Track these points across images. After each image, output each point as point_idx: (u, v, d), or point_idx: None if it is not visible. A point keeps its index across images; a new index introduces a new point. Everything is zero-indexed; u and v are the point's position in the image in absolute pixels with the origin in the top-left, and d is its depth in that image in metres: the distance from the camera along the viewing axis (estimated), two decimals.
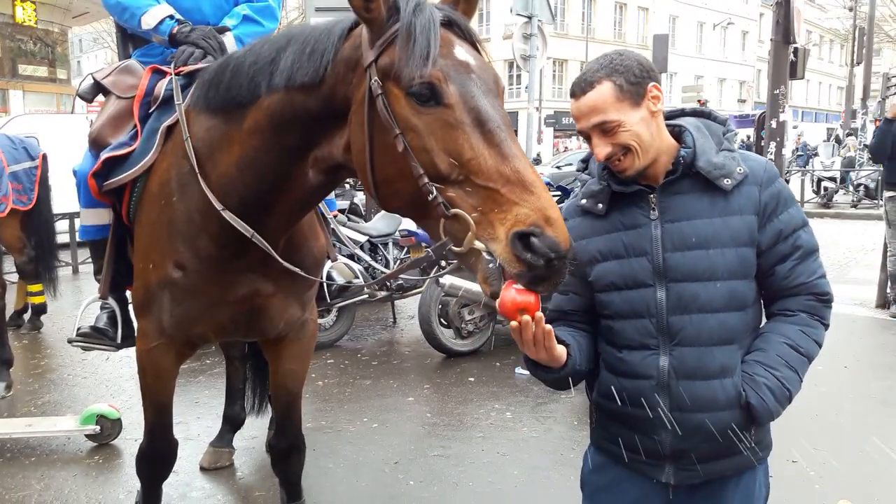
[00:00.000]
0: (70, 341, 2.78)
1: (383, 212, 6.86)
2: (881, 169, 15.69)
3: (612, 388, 1.71)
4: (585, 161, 1.82)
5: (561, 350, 1.57)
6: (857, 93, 27.29)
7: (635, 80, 1.59)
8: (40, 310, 6.47)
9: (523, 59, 8.17)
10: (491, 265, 1.43)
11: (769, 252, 1.64)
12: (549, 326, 1.50)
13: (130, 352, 2.88)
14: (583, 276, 1.73)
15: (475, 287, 5.45)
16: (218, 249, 2.14)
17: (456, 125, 1.51)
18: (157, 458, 2.58)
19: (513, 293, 1.43)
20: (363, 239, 6.06)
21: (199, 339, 2.42)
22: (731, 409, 1.61)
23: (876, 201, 15.86)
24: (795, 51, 8.01)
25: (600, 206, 1.71)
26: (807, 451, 3.75)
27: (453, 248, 1.51)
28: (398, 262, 6.15)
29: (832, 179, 17.31)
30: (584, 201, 1.74)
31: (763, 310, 1.74)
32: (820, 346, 1.67)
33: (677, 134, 1.68)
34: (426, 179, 1.51)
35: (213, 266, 2.17)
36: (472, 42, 1.66)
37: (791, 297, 1.67)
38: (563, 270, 1.41)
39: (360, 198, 9.41)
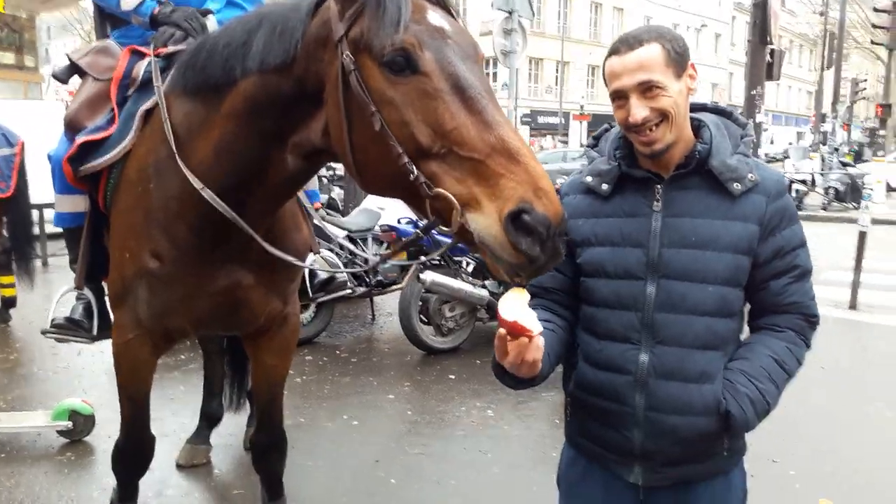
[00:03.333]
0: (44, 333, 2.69)
1: (362, 206, 6.80)
2: (849, 172, 16.26)
3: (588, 379, 1.67)
4: (597, 138, 1.77)
5: (540, 353, 1.48)
6: (827, 97, 27.80)
7: (681, 49, 1.54)
8: (10, 303, 6.30)
9: (503, 55, 8.15)
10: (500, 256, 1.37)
11: (766, 266, 1.60)
12: (541, 339, 1.45)
13: (103, 346, 2.81)
14: (571, 256, 1.66)
15: (457, 284, 5.42)
16: (196, 238, 2.08)
17: (434, 94, 1.45)
18: (133, 454, 2.50)
19: (516, 314, 1.37)
20: (342, 234, 5.99)
21: (176, 332, 2.36)
22: (708, 415, 1.58)
23: (845, 204, 16.16)
24: (772, 52, 8.09)
25: (605, 186, 1.66)
26: (786, 451, 3.79)
27: (442, 227, 1.47)
28: (377, 256, 6.09)
29: (803, 182, 17.59)
30: (589, 178, 1.69)
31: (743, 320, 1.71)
32: (800, 365, 1.66)
33: (695, 128, 1.64)
34: (406, 159, 1.46)
35: (191, 256, 2.11)
36: (446, 7, 1.60)
37: (781, 314, 1.64)
38: (558, 251, 1.37)
39: (337, 192, 9.33)
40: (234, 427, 3.93)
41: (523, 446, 3.93)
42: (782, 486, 3.47)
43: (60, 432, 3.81)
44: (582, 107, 36.56)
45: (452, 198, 1.40)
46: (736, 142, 1.63)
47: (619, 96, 1.56)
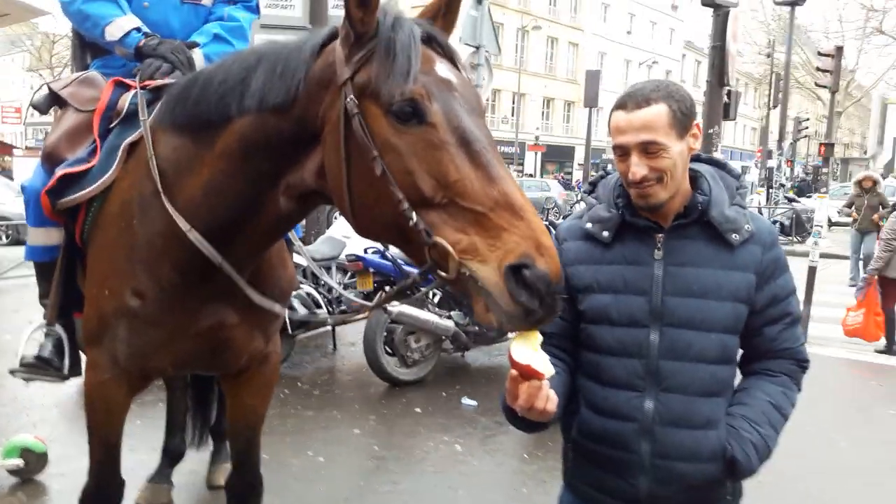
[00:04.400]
0: (12, 372, 2.55)
1: (326, 235, 6.72)
2: (794, 207, 16.80)
3: (592, 426, 1.67)
4: (594, 184, 1.79)
5: (553, 405, 1.48)
6: (772, 135, 28.88)
7: (686, 111, 1.57)
8: None
9: None
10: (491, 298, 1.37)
11: (762, 313, 1.66)
12: (553, 393, 1.46)
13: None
14: (572, 302, 1.68)
15: (424, 315, 5.37)
16: (180, 277, 2.00)
17: (440, 145, 1.45)
18: (102, 499, 2.37)
19: (529, 357, 1.39)
20: (305, 263, 5.89)
21: (155, 372, 2.27)
22: (714, 462, 1.61)
23: (790, 237, 16.71)
24: (728, 93, 8.37)
25: (606, 233, 1.67)
26: (746, 484, 3.82)
27: (440, 273, 1.45)
28: (342, 286, 6.01)
29: None
30: (589, 225, 1.70)
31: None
32: (793, 408, 1.71)
33: (692, 178, 1.67)
34: (406, 205, 1.45)
35: (175, 295, 2.03)
36: (453, 59, 1.61)
37: (775, 359, 1.70)
38: (556, 307, 1.37)
39: None
40: (196, 464, 3.78)
41: (494, 482, 3.89)
42: None
43: (10, 471, 3.60)
44: (537, 138, 37.21)
45: (449, 247, 1.40)
46: (732, 193, 1.68)
47: (621, 150, 1.59)
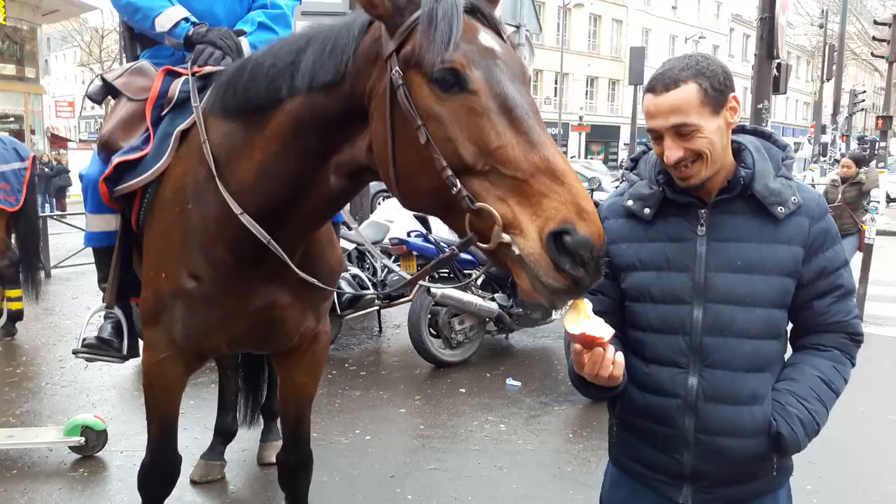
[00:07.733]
0: (75, 352, 2.68)
1: (371, 219, 6.79)
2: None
3: (636, 402, 1.67)
4: (635, 160, 1.77)
5: (621, 369, 1.50)
6: (826, 108, 27.94)
7: (720, 86, 1.53)
8: (16, 316, 6.24)
9: None
10: (537, 275, 1.36)
11: (810, 286, 1.61)
12: (619, 355, 1.47)
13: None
14: (615, 280, 1.68)
15: (467, 297, 5.41)
16: (234, 259, 2.08)
17: (482, 112, 1.45)
18: (160, 474, 2.48)
19: (582, 326, 1.40)
20: (350, 247, 5.97)
21: (210, 351, 2.35)
22: (758, 436, 1.59)
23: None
24: (778, 66, 8.12)
25: (647, 210, 1.65)
26: (802, 465, 3.75)
27: (480, 244, 1.46)
28: (386, 270, 6.08)
29: None
30: (630, 203, 1.68)
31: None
32: (846, 383, 1.66)
33: (736, 151, 1.63)
34: (449, 172, 1.46)
35: (229, 276, 2.10)
36: (497, 30, 1.61)
37: (826, 332, 1.66)
38: (599, 272, 1.36)
39: None
40: (247, 442, 3.91)
41: (539, 462, 3.91)
42: (800, 501, 3.44)
43: (72, 448, 3.78)
44: (581, 118, 36.72)
45: (495, 212, 1.40)
46: (777, 164, 1.64)
47: (654, 134, 1.57)
